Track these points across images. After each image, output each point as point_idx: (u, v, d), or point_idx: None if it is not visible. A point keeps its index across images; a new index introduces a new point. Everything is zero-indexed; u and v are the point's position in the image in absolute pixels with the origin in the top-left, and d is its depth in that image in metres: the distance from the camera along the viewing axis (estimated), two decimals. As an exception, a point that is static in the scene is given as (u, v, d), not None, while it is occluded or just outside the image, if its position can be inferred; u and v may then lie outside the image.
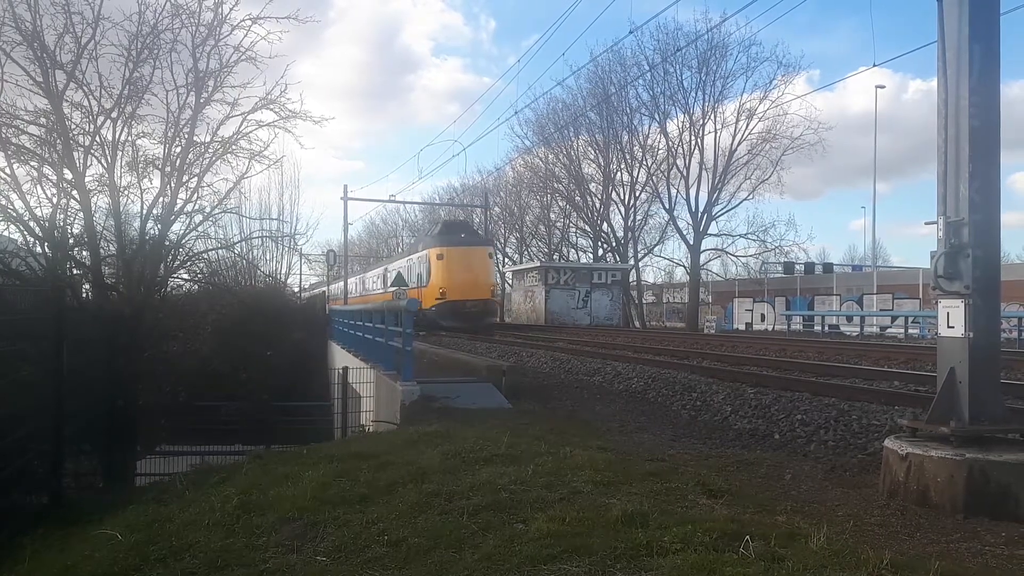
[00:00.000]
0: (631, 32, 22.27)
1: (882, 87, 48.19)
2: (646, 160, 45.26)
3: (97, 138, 14.56)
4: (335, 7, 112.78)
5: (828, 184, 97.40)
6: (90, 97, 14.36)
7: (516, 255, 59.64)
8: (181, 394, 16.23)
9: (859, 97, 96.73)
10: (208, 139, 15.98)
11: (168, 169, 15.18)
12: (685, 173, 41.92)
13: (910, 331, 29.78)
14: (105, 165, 14.66)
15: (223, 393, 17.24)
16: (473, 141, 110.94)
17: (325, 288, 44.79)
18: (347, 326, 18.31)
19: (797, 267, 39.59)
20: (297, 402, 16.14)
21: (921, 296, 31.02)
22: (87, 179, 14.47)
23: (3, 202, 13.87)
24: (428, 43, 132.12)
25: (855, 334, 31.07)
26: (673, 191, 42.99)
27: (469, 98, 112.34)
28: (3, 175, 13.75)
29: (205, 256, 19.57)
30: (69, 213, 14.55)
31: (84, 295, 13.98)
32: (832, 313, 34.77)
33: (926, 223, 5.34)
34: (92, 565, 4.83)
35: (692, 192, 41.89)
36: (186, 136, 15.40)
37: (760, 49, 48.95)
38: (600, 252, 49.71)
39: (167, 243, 15.80)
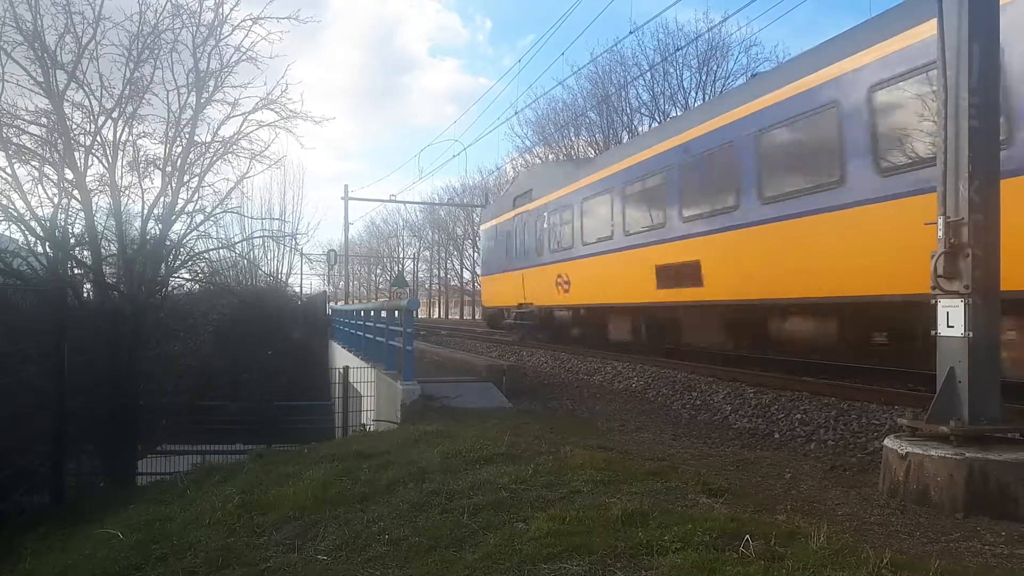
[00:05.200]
0: (631, 32, 22.23)
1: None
2: (646, 160, 45.24)
3: (98, 138, 14.56)
4: (331, 8, 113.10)
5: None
6: (91, 97, 14.36)
7: (516, 255, 59.65)
8: (182, 393, 16.22)
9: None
10: (209, 139, 15.99)
11: (169, 169, 15.18)
12: (686, 173, 41.87)
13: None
14: (106, 165, 14.66)
15: (224, 392, 17.27)
16: (473, 141, 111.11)
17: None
18: (348, 326, 18.33)
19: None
20: (298, 401, 16.15)
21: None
22: (88, 179, 14.46)
23: (4, 202, 13.86)
24: (425, 44, 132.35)
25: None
26: (673, 191, 42.94)
27: (466, 98, 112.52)
28: (4, 175, 13.75)
29: (206, 256, 19.56)
30: (70, 213, 14.55)
31: (85, 295, 13.98)
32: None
33: (926, 223, 5.34)
34: (93, 564, 4.84)
35: (692, 192, 41.85)
36: (187, 136, 15.40)
37: (760, 49, 49.04)
38: (601, 252, 49.68)
39: (168, 243, 15.77)
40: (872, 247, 8.26)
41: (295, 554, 4.10)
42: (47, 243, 13.66)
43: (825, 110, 8.95)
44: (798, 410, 8.26)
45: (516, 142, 57.21)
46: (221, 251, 23.04)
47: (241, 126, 15.85)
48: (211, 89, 15.42)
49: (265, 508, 4.97)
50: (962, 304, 4.83)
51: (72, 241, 14.34)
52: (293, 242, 32.42)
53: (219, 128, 16.01)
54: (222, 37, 15.38)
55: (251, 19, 15.31)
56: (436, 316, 74.62)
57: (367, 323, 14.49)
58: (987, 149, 4.88)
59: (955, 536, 4.08)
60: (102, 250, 14.68)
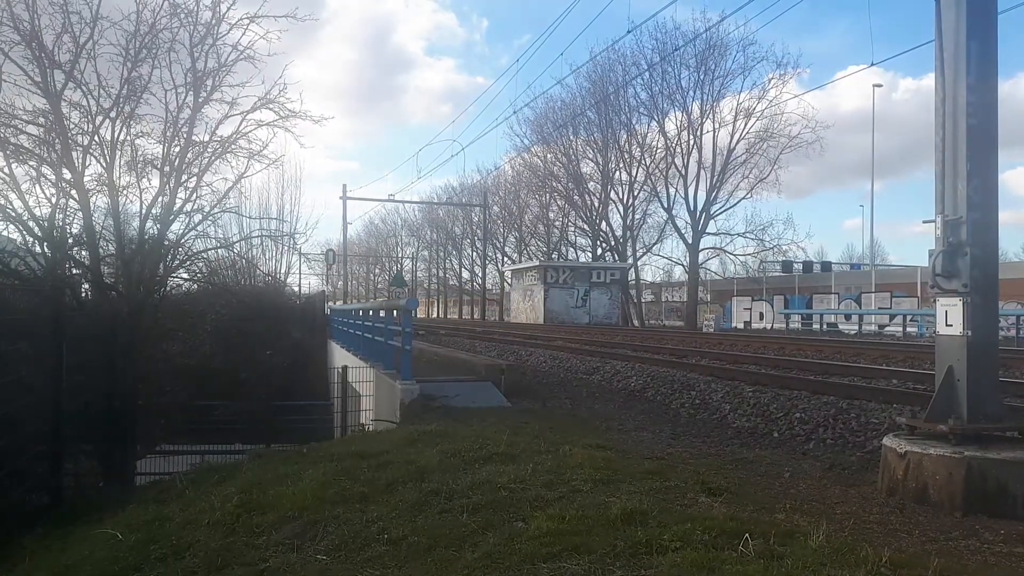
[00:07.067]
0: (629, 31, 22.09)
1: (879, 86, 48.15)
2: (644, 159, 45.32)
3: (96, 138, 14.50)
4: (328, 7, 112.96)
5: (819, 183, 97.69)
6: (88, 97, 14.31)
7: (515, 254, 59.69)
8: (181, 393, 16.18)
9: (849, 95, 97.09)
10: (207, 138, 15.90)
11: (167, 169, 15.13)
12: (683, 172, 41.99)
13: (908, 329, 29.85)
14: (104, 165, 14.61)
15: (223, 392, 17.23)
16: (472, 140, 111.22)
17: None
18: (346, 325, 18.32)
19: (795, 266, 39.64)
20: (297, 401, 16.13)
21: (919, 294, 31.07)
22: (86, 179, 14.41)
23: (2, 202, 13.82)
24: (421, 43, 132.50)
25: (853, 332, 31.12)
26: (671, 190, 43.05)
27: (462, 98, 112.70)
28: (2, 175, 13.71)
29: (204, 255, 19.48)
30: (68, 213, 14.48)
31: (83, 295, 13.95)
32: (830, 312, 34.82)
33: (924, 221, 5.37)
34: (92, 564, 4.84)
35: (690, 191, 41.94)
36: (185, 135, 15.35)
37: (757, 48, 49.01)
38: (599, 251, 49.77)
39: (166, 242, 15.73)
40: None
41: (294, 554, 4.10)
42: (45, 243, 13.62)
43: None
44: (797, 409, 8.27)
45: (515, 141, 57.16)
46: (219, 251, 22.98)
47: (239, 125, 15.80)
48: (209, 88, 15.38)
49: (264, 508, 4.96)
50: (961, 303, 4.84)
51: (70, 241, 14.29)
52: (291, 242, 32.35)
53: (217, 127, 15.94)
54: (220, 36, 15.34)
55: (248, 18, 15.26)
56: (435, 316, 74.62)
57: (366, 323, 14.48)
58: (986, 147, 4.89)
59: (954, 535, 4.08)
60: (100, 250, 14.65)
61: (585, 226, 50.62)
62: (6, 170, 13.70)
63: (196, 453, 11.65)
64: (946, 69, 4.96)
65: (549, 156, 50.23)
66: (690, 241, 41.77)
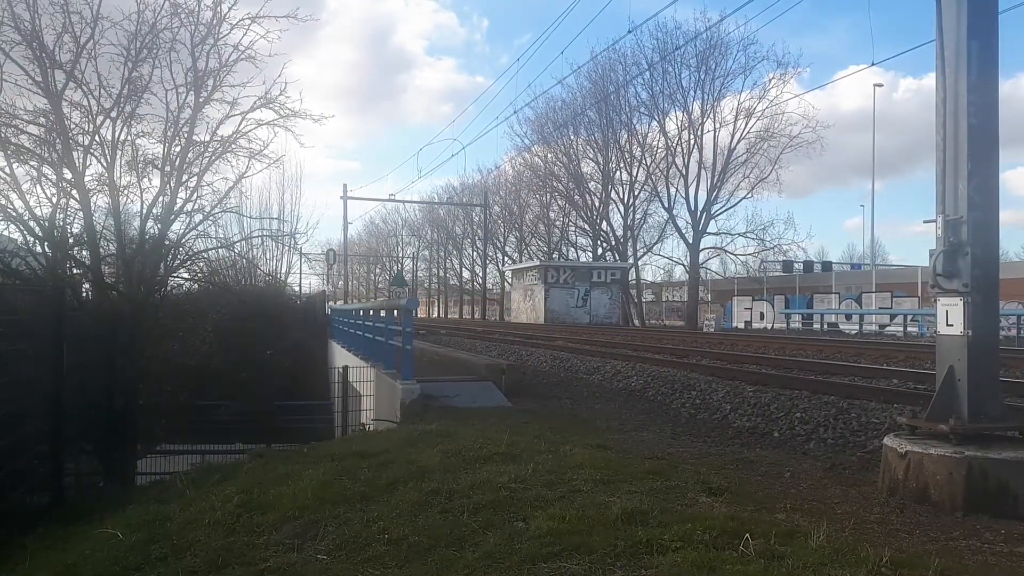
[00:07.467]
0: (630, 31, 21.93)
1: (880, 86, 48.10)
2: (645, 159, 45.34)
3: (96, 137, 14.49)
4: (328, 7, 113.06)
5: (820, 182, 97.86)
6: (89, 96, 14.30)
7: (516, 254, 59.70)
8: (181, 393, 16.19)
9: (850, 95, 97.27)
10: (208, 138, 15.88)
11: (168, 168, 15.11)
12: (684, 172, 42.00)
13: (909, 329, 29.85)
14: (104, 164, 14.59)
15: (223, 392, 17.24)
16: (472, 140, 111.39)
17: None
18: (347, 325, 18.33)
19: (796, 265, 39.64)
20: (297, 401, 16.13)
21: (920, 294, 31.06)
22: (87, 179, 14.40)
23: (3, 202, 13.81)
24: (421, 43, 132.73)
25: (854, 332, 31.12)
26: (672, 190, 43.07)
27: (462, 97, 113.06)
28: (3, 175, 13.71)
29: (205, 255, 19.44)
30: (69, 213, 14.46)
31: (84, 295, 13.95)
32: (831, 311, 34.82)
33: (925, 221, 5.37)
34: (93, 564, 4.84)
35: (691, 191, 41.97)
36: (185, 135, 15.33)
37: (758, 48, 48.99)
38: (599, 251, 49.79)
39: (167, 242, 15.71)
40: None
41: (295, 554, 4.10)
42: (46, 243, 13.62)
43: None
44: (798, 409, 8.27)
45: (515, 141, 57.14)
46: (220, 251, 22.98)
47: (240, 125, 15.78)
48: (210, 88, 15.37)
49: (265, 508, 4.96)
50: (961, 302, 4.84)
51: (71, 241, 14.29)
52: (292, 241, 32.37)
53: (218, 127, 15.92)
54: (220, 36, 15.33)
55: (249, 18, 15.25)
56: (435, 316, 74.63)
57: (366, 323, 14.49)
58: (987, 147, 4.88)
59: (955, 534, 4.08)
60: (101, 250, 14.65)
61: (586, 226, 50.65)
62: (7, 170, 13.70)
63: (196, 453, 11.66)
64: (947, 69, 4.96)
65: (550, 156, 50.29)
66: (691, 241, 41.79)
